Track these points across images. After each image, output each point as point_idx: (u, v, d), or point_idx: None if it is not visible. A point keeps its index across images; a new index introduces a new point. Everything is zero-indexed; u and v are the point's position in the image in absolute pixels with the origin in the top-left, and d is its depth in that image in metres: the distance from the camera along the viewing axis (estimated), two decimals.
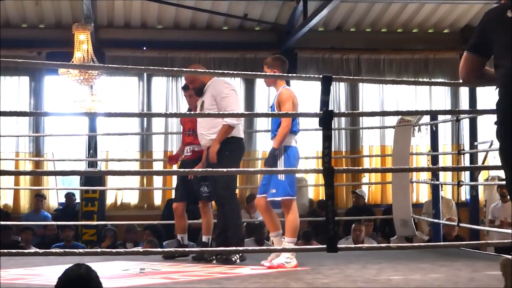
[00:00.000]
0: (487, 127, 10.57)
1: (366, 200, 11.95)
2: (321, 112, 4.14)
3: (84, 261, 3.12)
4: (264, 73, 5.77)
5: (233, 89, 6.19)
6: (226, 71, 6.16)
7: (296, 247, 5.81)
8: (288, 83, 11.62)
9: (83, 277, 2.85)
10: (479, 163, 11.04)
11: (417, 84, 12.32)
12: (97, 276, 2.91)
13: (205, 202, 6.39)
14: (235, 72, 5.89)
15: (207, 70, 6.19)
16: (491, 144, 9.62)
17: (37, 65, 11.67)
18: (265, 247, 6.82)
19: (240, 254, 5.89)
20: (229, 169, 5.21)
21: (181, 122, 6.96)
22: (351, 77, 12.03)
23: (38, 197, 11.09)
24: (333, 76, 4.29)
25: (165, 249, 6.02)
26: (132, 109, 11.91)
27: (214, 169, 5.57)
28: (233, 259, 5.82)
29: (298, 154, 5.72)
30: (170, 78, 12.06)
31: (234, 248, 5.61)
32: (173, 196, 7.55)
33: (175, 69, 6.89)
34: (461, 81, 3.88)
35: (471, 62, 3.68)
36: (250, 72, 5.74)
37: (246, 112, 5.84)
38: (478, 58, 3.65)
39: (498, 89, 3.47)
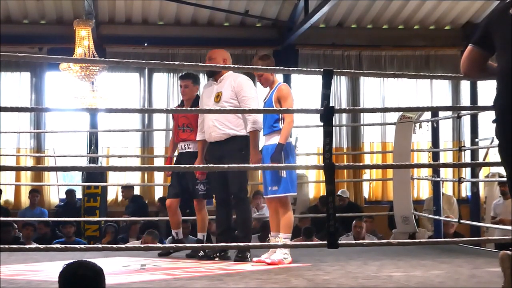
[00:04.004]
0: (488, 123, 10.58)
1: (367, 197, 12.00)
2: (322, 108, 4.13)
3: (85, 257, 3.12)
4: (273, 67, 5.71)
5: (255, 89, 6.02)
6: (236, 66, 6.09)
7: (297, 243, 5.82)
8: (289, 78, 11.79)
9: (90, 269, 2.83)
10: (480, 160, 11.04)
11: (417, 78, 12.30)
12: (102, 270, 2.89)
13: (200, 200, 6.31)
14: (243, 66, 5.91)
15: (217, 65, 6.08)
16: (492, 141, 9.61)
17: (38, 59, 11.66)
18: (266, 243, 6.81)
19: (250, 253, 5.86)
20: (230, 165, 5.19)
21: (173, 117, 6.69)
22: (352, 71, 12.02)
23: (33, 193, 11.08)
24: (334, 70, 4.28)
25: (166, 245, 6.02)
26: (133, 105, 11.90)
27: (216, 166, 5.53)
28: (247, 256, 5.80)
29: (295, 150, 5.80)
30: (171, 74, 12.06)
31: (233, 244, 5.61)
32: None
33: (176, 63, 6.84)
34: (462, 74, 3.89)
35: (473, 55, 3.68)
36: (253, 66, 5.68)
37: (249, 108, 5.80)
38: (481, 51, 3.65)
39: (496, 85, 3.49)
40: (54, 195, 11.90)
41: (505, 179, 4.46)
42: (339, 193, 10.80)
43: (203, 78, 11.98)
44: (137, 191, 11.99)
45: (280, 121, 5.63)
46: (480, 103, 12.32)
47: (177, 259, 6.09)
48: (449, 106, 12.25)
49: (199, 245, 5.91)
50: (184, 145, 6.36)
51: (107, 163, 11.74)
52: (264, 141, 5.80)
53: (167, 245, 6.04)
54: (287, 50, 12.22)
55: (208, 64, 5.95)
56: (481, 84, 11.77)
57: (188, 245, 6.07)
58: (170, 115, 11.41)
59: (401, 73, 6.80)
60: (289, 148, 5.61)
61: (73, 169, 8.00)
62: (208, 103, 6.00)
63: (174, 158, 6.68)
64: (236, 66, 6.10)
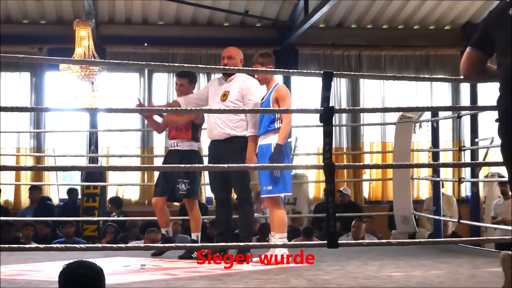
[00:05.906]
0: (488, 123, 10.57)
1: (367, 197, 12.02)
2: (322, 108, 4.14)
3: (85, 257, 3.11)
4: (273, 69, 5.71)
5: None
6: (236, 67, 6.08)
7: (297, 243, 5.82)
8: (288, 78, 11.78)
9: (90, 269, 2.83)
10: (480, 160, 11.04)
11: (417, 80, 12.33)
12: (102, 270, 2.89)
13: (190, 199, 6.27)
14: (243, 68, 5.88)
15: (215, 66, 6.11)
16: (492, 141, 9.62)
17: (38, 60, 11.66)
18: (265, 243, 6.83)
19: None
20: (230, 165, 5.18)
21: None
22: (352, 73, 12.03)
23: (32, 190, 11.03)
24: (334, 72, 4.28)
25: (165, 245, 6.00)
26: (133, 105, 11.85)
27: (216, 166, 5.53)
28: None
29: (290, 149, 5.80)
30: (171, 74, 12.03)
31: (233, 244, 5.61)
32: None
33: (176, 64, 6.83)
34: (461, 77, 3.88)
35: (473, 57, 3.68)
36: (254, 68, 5.69)
37: (249, 108, 5.80)
38: (480, 54, 3.65)
39: (499, 86, 3.49)
40: (54, 195, 11.88)
41: (505, 179, 4.47)
42: (340, 189, 10.79)
43: (203, 78, 12.11)
44: (136, 190, 11.99)
45: (276, 122, 5.62)
46: (480, 103, 12.33)
47: (176, 259, 6.08)
48: (449, 106, 12.25)
49: (199, 244, 5.90)
50: (174, 143, 6.36)
51: (107, 163, 11.74)
52: (259, 140, 5.81)
53: (166, 245, 6.01)
54: (287, 50, 12.22)
55: (207, 66, 5.97)
56: (481, 84, 11.77)
57: (187, 245, 6.06)
58: None
59: (401, 75, 6.79)
60: (286, 148, 5.62)
61: (73, 169, 8.00)
62: (214, 100, 6.02)
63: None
64: (237, 68, 6.07)
